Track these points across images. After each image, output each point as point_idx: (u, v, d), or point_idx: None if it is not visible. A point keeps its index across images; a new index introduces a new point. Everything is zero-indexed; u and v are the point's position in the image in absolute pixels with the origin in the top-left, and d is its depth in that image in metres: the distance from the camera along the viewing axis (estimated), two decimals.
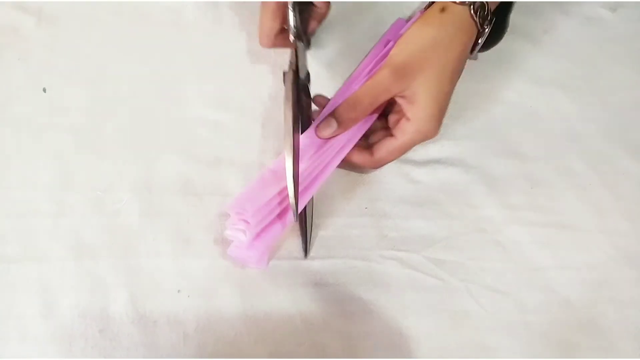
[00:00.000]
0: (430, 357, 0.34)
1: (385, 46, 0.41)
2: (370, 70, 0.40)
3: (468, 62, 0.45)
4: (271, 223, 0.34)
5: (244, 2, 0.46)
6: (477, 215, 0.39)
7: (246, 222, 0.33)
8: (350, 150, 0.37)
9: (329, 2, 0.40)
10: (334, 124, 0.35)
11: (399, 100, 0.36)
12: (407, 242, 0.38)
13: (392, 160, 0.37)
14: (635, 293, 0.37)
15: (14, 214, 0.37)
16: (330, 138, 0.36)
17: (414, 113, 0.35)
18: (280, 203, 0.34)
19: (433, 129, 0.36)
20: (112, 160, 0.39)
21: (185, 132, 0.41)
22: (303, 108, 0.37)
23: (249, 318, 0.35)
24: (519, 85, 0.45)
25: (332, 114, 0.35)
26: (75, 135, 0.40)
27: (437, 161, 0.41)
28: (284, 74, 0.35)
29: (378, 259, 0.37)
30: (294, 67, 0.36)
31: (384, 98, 0.35)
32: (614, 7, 0.49)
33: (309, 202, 0.36)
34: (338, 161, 0.36)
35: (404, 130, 0.36)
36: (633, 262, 0.38)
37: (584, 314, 0.36)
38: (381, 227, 0.38)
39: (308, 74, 0.38)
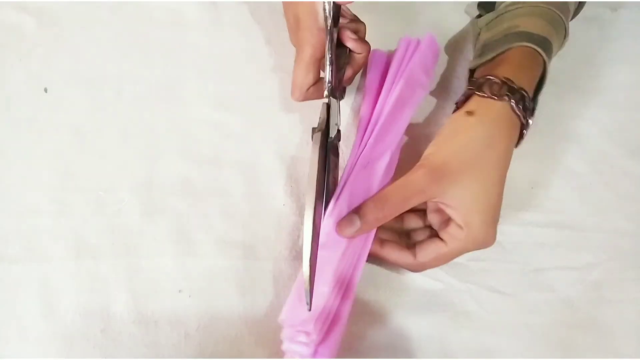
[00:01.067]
0: (431, 358, 0.34)
1: (380, 86, 0.40)
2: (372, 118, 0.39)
3: (465, 64, 0.45)
4: (332, 323, 0.32)
5: (244, 2, 0.46)
6: None
7: (307, 333, 0.31)
8: (388, 248, 0.35)
9: (368, 49, 0.39)
10: (357, 223, 0.33)
11: (441, 206, 0.34)
12: None
13: (439, 266, 0.35)
14: (635, 293, 0.37)
15: (14, 214, 0.37)
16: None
17: (467, 220, 0.32)
18: (335, 298, 0.33)
19: (490, 238, 0.33)
20: (112, 160, 0.39)
21: (186, 132, 0.41)
22: (330, 170, 0.35)
23: (249, 318, 0.35)
24: None
25: (357, 211, 0.33)
26: (76, 135, 0.40)
27: None
28: (313, 131, 0.34)
29: (379, 260, 0.37)
30: (323, 127, 0.34)
31: (417, 200, 0.33)
32: (614, 7, 0.49)
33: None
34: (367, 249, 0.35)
35: (456, 237, 0.33)
36: (633, 262, 0.38)
37: (584, 314, 0.36)
38: None
39: (339, 132, 0.37)
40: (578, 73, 0.46)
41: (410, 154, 0.40)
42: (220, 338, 0.34)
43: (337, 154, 0.38)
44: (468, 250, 0.34)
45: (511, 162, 0.41)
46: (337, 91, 0.37)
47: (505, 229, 0.38)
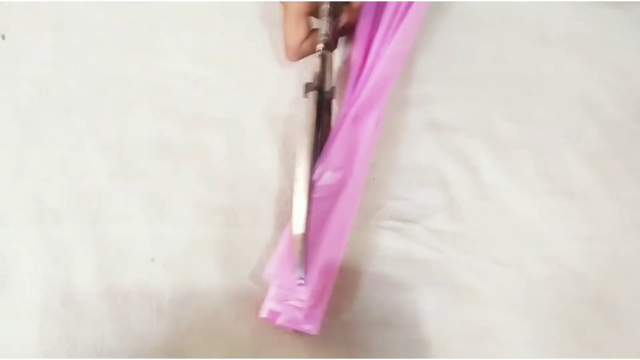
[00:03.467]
0: (431, 333, 0.32)
1: (372, 32, 0.38)
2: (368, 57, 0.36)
3: (472, 22, 0.42)
4: (327, 280, 0.31)
5: None
6: (481, 183, 0.36)
7: (300, 299, 0.29)
8: None
9: None
10: None
11: None
12: (405, 211, 0.35)
13: None
14: None
15: None
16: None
17: None
18: (330, 251, 0.31)
19: None
20: (79, 116, 0.35)
21: (162, 87, 0.37)
22: (323, 127, 0.34)
23: (230, 291, 0.32)
24: (525, 46, 0.42)
25: None
26: (38, 87, 0.36)
27: (440, 125, 0.38)
28: (306, 87, 0.32)
29: (374, 229, 0.34)
30: (318, 84, 0.32)
31: None
32: None
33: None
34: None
35: None
36: None
37: (594, 288, 0.34)
38: (378, 195, 0.35)
39: (333, 88, 0.35)
40: (588, 34, 0.43)
41: (386, 117, 0.37)
42: (198, 312, 0.31)
43: (330, 111, 0.35)
44: None
45: (518, 126, 0.38)
46: (333, 43, 0.35)
47: (510, 197, 0.36)
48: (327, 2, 0.34)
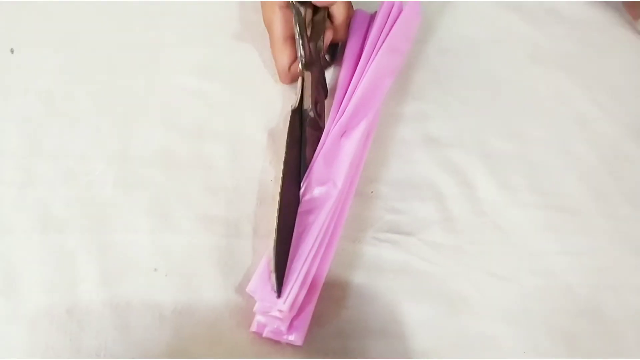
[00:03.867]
0: (426, 344, 0.32)
1: (360, 50, 0.39)
2: (355, 75, 0.38)
3: (464, 42, 0.43)
4: (309, 293, 0.31)
5: None
6: (476, 197, 0.37)
7: (279, 310, 0.29)
8: None
9: (348, 5, 0.37)
10: None
11: None
12: (402, 224, 0.35)
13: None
14: (637, 279, 0.35)
15: None
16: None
17: None
18: (312, 263, 0.31)
19: None
20: (85, 127, 0.36)
21: (167, 100, 0.38)
22: (308, 145, 0.35)
23: (231, 300, 0.32)
24: (518, 65, 0.43)
25: None
26: (46, 99, 0.37)
27: (436, 141, 0.39)
28: (291, 107, 0.34)
29: (371, 241, 0.35)
30: (296, 106, 0.34)
31: None
32: None
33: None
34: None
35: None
36: (635, 248, 0.36)
37: (585, 301, 0.34)
38: (375, 208, 0.36)
39: (317, 104, 0.36)
40: (580, 54, 0.44)
41: (383, 132, 0.38)
42: (199, 320, 0.31)
43: (318, 127, 0.36)
44: None
45: (511, 143, 0.39)
46: (317, 62, 0.36)
47: (504, 212, 0.37)
48: (297, 24, 0.35)
